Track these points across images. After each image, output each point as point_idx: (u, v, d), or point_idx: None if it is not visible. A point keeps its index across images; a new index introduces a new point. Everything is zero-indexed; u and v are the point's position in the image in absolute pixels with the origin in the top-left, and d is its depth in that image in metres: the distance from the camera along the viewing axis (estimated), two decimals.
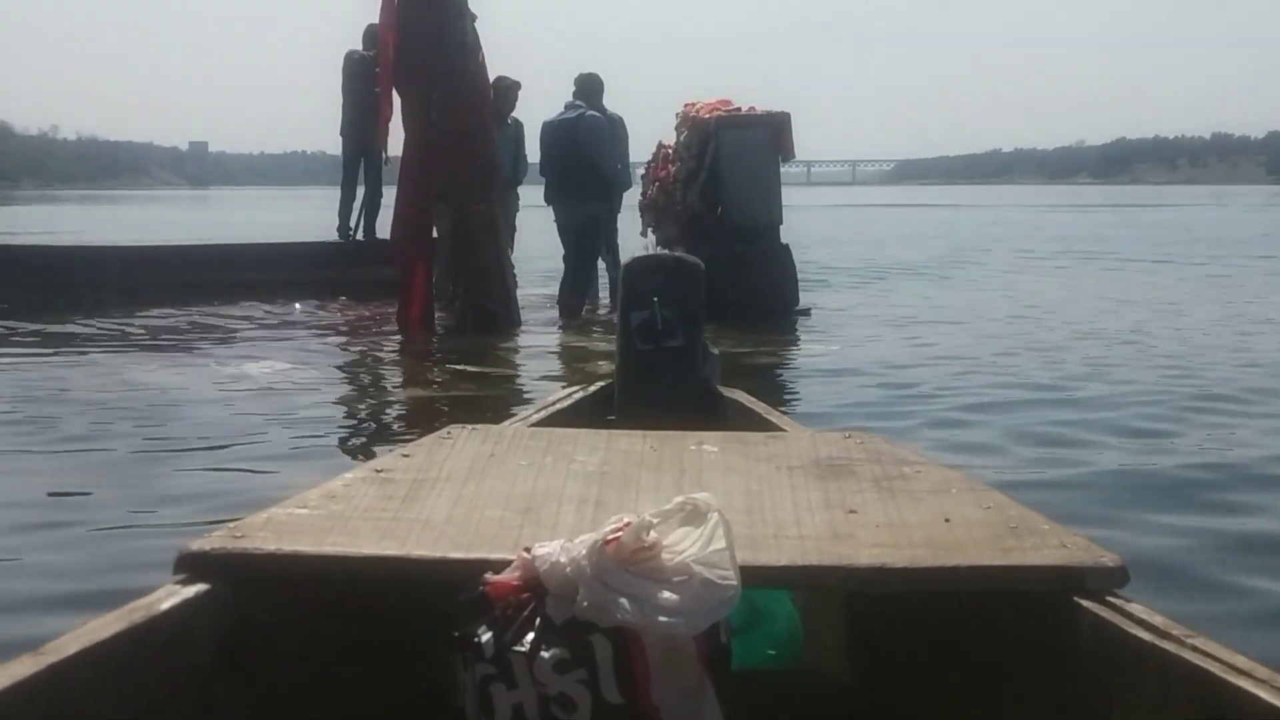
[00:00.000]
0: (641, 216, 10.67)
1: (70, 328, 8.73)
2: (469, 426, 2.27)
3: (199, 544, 1.50)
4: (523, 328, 8.66)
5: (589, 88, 10.30)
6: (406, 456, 2.01)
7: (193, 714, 1.43)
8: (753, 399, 3.20)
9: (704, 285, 3.43)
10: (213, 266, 11.36)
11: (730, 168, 9.26)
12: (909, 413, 5.60)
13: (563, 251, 9.68)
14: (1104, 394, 6.01)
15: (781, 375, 7.17)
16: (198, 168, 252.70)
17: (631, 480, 1.89)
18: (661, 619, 1.31)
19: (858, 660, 1.98)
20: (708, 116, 9.36)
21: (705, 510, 1.40)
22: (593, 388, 3.38)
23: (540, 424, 2.72)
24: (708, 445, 2.12)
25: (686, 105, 9.75)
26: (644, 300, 3.26)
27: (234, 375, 6.65)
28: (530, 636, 1.36)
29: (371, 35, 9.93)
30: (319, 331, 8.99)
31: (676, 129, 9.81)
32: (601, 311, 9.56)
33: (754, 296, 9.16)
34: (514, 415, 3.07)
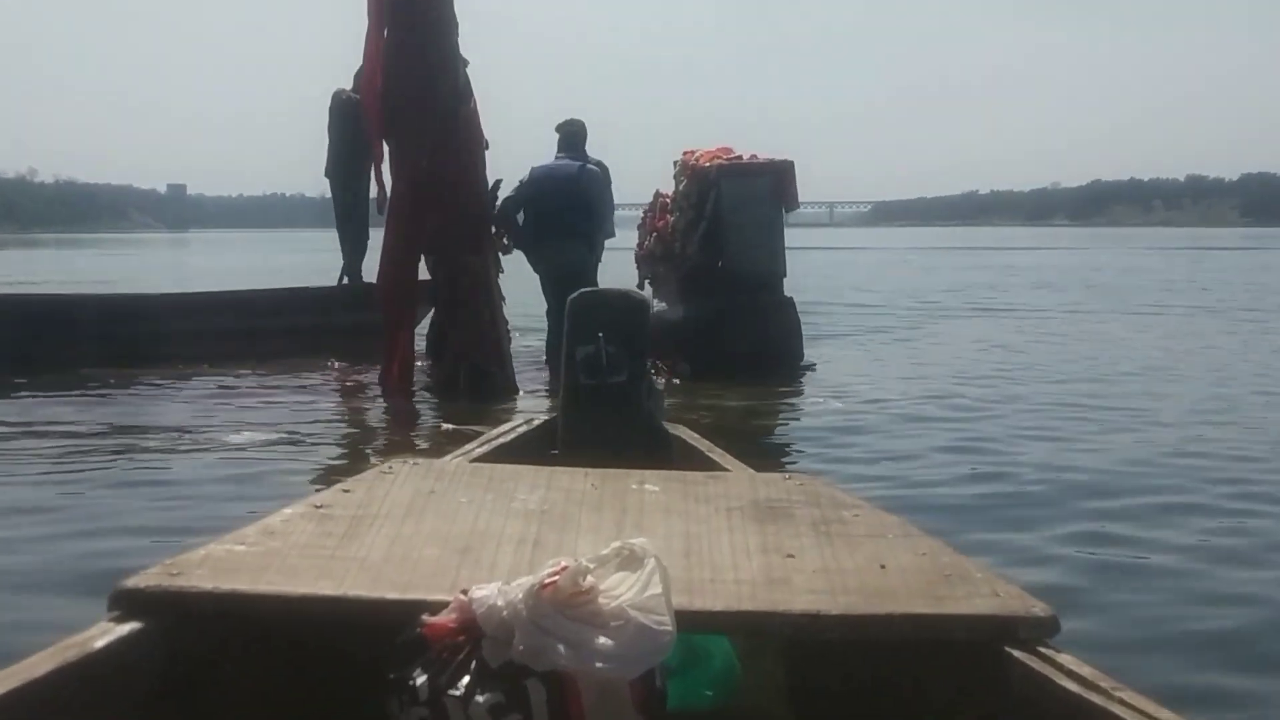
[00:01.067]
0: (639, 267, 10.26)
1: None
2: (411, 460, 2.25)
3: (134, 581, 1.48)
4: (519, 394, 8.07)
5: (574, 136, 9.89)
6: (347, 492, 1.97)
7: None
8: (696, 436, 3.16)
9: (649, 322, 3.46)
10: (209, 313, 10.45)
11: (732, 217, 8.85)
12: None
13: (546, 305, 9.00)
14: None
15: (796, 435, 6.73)
16: (177, 210, 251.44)
17: (572, 520, 1.86)
18: (597, 664, 1.31)
19: (794, 701, 1.97)
20: (708, 165, 8.96)
21: (642, 555, 1.40)
22: (536, 421, 3.33)
23: (483, 458, 2.68)
24: (649, 484, 2.10)
25: (685, 153, 9.33)
26: (589, 335, 3.24)
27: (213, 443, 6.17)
28: (465, 680, 1.35)
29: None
30: (304, 391, 8.49)
31: (675, 177, 9.38)
32: None
33: (758, 350, 8.77)
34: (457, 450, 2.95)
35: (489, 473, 2.21)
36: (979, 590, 1.55)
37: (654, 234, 9.38)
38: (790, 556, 1.68)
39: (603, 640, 1.32)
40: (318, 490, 2.23)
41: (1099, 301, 17.91)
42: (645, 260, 9.95)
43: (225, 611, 1.49)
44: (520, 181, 8.80)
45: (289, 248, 52.57)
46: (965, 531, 4.09)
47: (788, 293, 9.15)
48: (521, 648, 1.33)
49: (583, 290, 3.62)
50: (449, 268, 8.15)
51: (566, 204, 8.58)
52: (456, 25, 8.29)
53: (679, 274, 9.29)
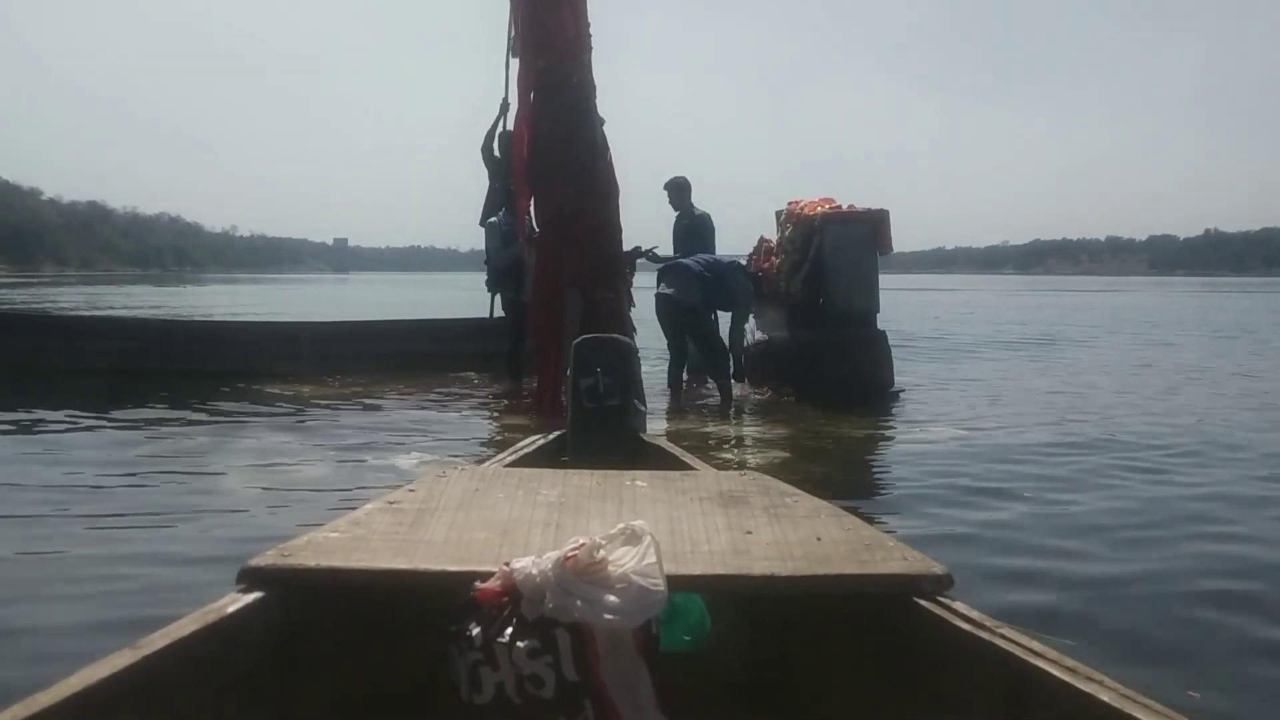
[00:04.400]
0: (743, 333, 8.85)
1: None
2: (459, 467, 2.26)
3: (255, 561, 1.46)
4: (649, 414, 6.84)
5: (681, 192, 8.72)
6: (412, 491, 1.94)
7: (250, 694, 1.39)
8: (670, 444, 3.11)
9: (636, 361, 3.50)
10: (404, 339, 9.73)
11: (833, 260, 7.56)
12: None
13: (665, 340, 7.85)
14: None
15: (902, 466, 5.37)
16: (340, 257, 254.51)
17: (583, 509, 1.84)
18: (608, 616, 1.30)
19: (751, 645, 1.92)
20: (813, 214, 7.67)
21: (640, 534, 1.40)
22: (551, 436, 3.23)
23: (512, 464, 2.66)
24: (639, 481, 2.08)
25: (791, 203, 8.04)
26: (590, 370, 3.24)
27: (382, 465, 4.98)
28: (509, 630, 1.34)
29: (506, 141, 8.32)
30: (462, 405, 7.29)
31: (781, 224, 8.07)
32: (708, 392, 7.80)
33: (854, 377, 7.44)
34: (492, 458, 2.92)
35: (518, 475, 2.19)
36: (892, 555, 1.55)
37: (760, 274, 8.05)
38: (749, 533, 1.67)
39: (612, 598, 1.31)
40: (392, 490, 2.03)
41: (1134, 334, 16.34)
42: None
43: (324, 583, 1.46)
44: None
45: (426, 287, 52.21)
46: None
47: (880, 326, 7.81)
48: (551, 605, 1.31)
49: (585, 336, 3.51)
50: (587, 302, 6.93)
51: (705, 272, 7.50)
52: (595, 88, 7.13)
53: (783, 310, 7.99)
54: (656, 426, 6.34)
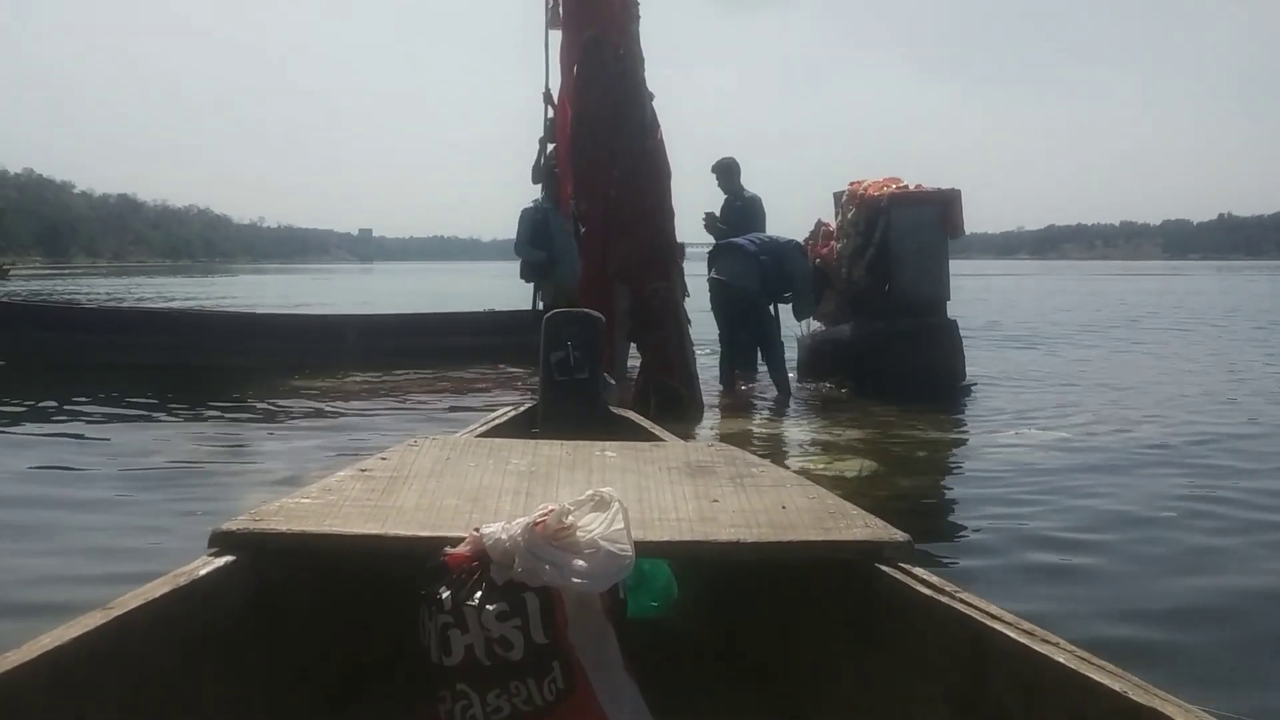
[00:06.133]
0: (810, 312, 8.11)
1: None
2: (431, 436, 2.20)
3: (228, 525, 1.46)
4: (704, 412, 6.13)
5: (730, 174, 8.01)
6: (384, 459, 1.92)
7: (223, 655, 1.39)
8: (639, 417, 3.07)
9: (604, 334, 3.47)
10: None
11: (900, 244, 6.86)
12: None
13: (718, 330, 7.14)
14: None
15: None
16: (364, 247, 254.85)
17: (553, 478, 1.82)
18: (575, 580, 1.30)
19: (716, 610, 1.97)
20: (878, 194, 6.96)
21: (609, 500, 1.39)
22: (522, 408, 3.22)
23: (483, 435, 2.59)
24: (609, 452, 2.06)
25: (852, 184, 7.29)
26: (560, 344, 3.22)
27: None
28: (479, 594, 1.32)
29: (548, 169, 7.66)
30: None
31: (843, 206, 7.34)
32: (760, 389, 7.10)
33: (924, 371, 6.76)
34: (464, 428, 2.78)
35: (489, 444, 2.14)
36: (855, 523, 1.54)
37: (818, 260, 7.34)
38: (715, 501, 1.66)
39: (580, 563, 1.30)
40: (363, 459, 1.92)
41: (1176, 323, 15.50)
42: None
43: (296, 548, 1.45)
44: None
45: (452, 276, 51.72)
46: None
47: (950, 316, 7.12)
48: (520, 570, 1.31)
49: (555, 310, 3.49)
50: (640, 293, 6.27)
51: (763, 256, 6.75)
52: (643, 60, 6.44)
53: (843, 298, 7.28)
54: (708, 427, 5.73)
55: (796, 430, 5.70)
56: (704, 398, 6.31)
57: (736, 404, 6.54)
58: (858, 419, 5.87)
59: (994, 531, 3.48)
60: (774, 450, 5.04)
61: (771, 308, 6.89)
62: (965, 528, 3.56)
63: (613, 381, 3.49)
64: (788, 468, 4.36)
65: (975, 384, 7.09)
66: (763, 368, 7.18)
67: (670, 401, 5.94)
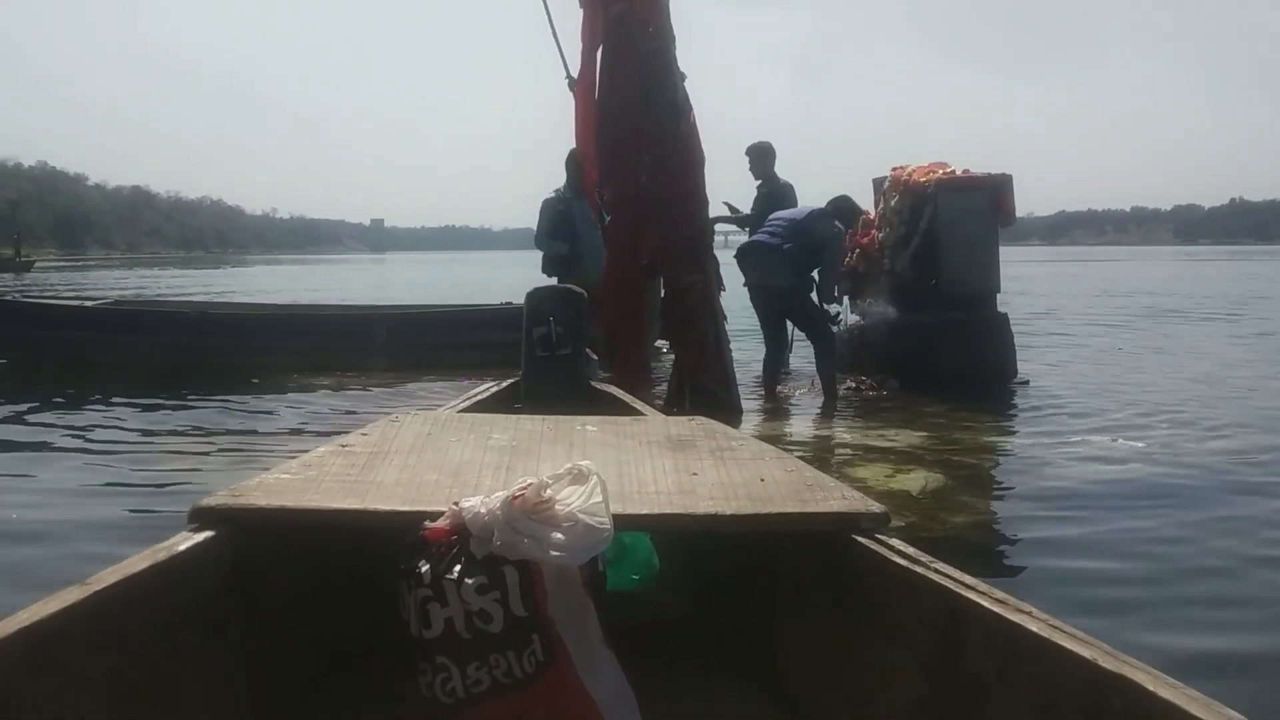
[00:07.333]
0: (837, 283, 7.63)
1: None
2: (412, 411, 2.18)
3: (207, 500, 1.44)
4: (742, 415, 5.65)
5: (763, 158, 7.46)
6: (365, 435, 1.89)
7: (203, 631, 1.37)
8: (620, 391, 3.04)
9: (586, 310, 3.36)
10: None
11: (948, 233, 6.39)
12: None
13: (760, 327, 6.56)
14: None
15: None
16: (376, 237, 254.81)
17: (533, 452, 1.80)
18: (554, 554, 1.28)
19: (697, 582, 1.95)
20: (924, 180, 6.48)
21: (587, 473, 1.37)
22: (505, 383, 3.17)
23: (465, 410, 2.59)
24: (589, 426, 2.05)
25: (895, 169, 6.80)
26: (543, 319, 3.17)
27: None
28: (458, 568, 1.31)
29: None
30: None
31: (885, 193, 6.85)
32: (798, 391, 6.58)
33: (974, 367, 6.31)
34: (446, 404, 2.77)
35: (471, 420, 2.14)
36: (832, 495, 1.55)
37: (856, 250, 6.86)
38: (695, 474, 1.66)
39: (558, 536, 1.30)
40: (345, 434, 1.89)
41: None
42: (846, 276, 7.06)
43: (276, 523, 1.43)
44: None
45: (465, 265, 51.34)
46: None
47: (1000, 308, 6.64)
48: (499, 543, 1.30)
49: (536, 287, 3.42)
50: (674, 287, 5.82)
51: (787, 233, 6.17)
52: (674, 38, 5.96)
53: (886, 290, 6.79)
54: (748, 431, 5.26)
55: (845, 433, 5.24)
56: (742, 401, 5.85)
57: (778, 407, 6.08)
58: (907, 420, 5.42)
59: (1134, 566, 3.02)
60: (821, 459, 4.58)
61: (814, 296, 6.35)
62: (1083, 572, 3.10)
63: (595, 357, 3.36)
64: (850, 482, 3.94)
65: (1028, 380, 6.61)
66: (797, 361, 6.68)
67: (706, 404, 5.48)
